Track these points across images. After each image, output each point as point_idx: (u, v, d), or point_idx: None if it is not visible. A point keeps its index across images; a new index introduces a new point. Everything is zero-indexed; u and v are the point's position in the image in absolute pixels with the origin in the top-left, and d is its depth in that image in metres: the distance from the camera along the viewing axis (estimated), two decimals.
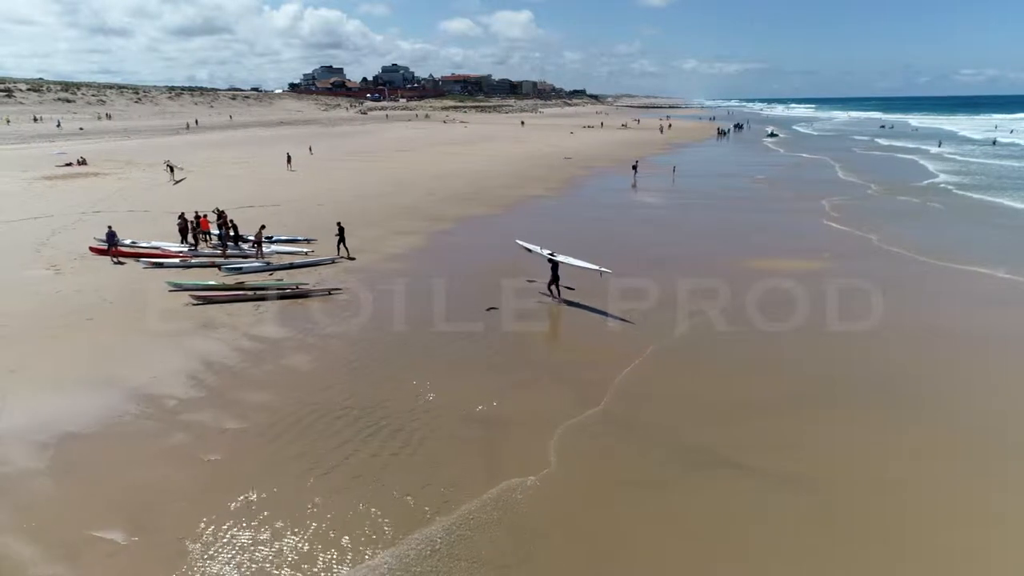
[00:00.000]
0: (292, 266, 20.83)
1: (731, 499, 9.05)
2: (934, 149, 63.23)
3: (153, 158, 52.40)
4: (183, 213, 23.74)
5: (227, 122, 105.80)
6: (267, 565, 7.77)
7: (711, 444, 10.45)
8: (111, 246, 20.68)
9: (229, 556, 7.90)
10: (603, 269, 17.15)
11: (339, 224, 22.29)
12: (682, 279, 19.44)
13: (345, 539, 8.21)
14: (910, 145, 70.11)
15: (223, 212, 24.39)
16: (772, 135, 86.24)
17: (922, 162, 54.50)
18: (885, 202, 34.61)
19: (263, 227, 21.52)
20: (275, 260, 21.44)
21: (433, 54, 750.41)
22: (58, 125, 79.07)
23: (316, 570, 7.70)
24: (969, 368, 13.77)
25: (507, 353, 14.21)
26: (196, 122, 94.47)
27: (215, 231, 23.65)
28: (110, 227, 21.06)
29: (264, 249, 21.88)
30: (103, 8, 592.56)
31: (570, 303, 17.35)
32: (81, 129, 78.62)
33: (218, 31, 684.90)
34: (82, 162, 47.69)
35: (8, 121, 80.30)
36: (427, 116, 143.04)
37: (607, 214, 31.66)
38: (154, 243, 22.98)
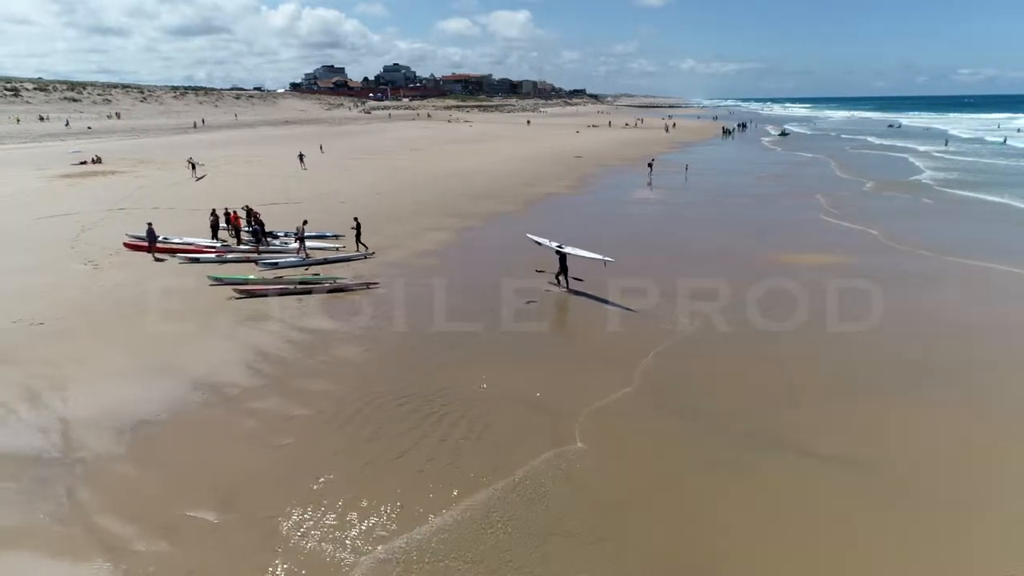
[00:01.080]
0: (327, 261, 21.10)
1: (796, 479, 9.34)
2: (937, 150, 63.52)
3: (167, 157, 52.68)
4: (215, 209, 24.00)
5: (233, 121, 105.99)
6: (358, 542, 8.03)
7: (766, 427, 10.74)
8: (151, 243, 20.91)
9: (320, 533, 8.18)
10: (606, 259, 17.88)
11: (355, 219, 22.55)
12: (712, 272, 19.75)
13: (431, 517, 8.48)
14: (920, 147, 70.23)
15: (251, 209, 24.70)
16: (784, 134, 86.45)
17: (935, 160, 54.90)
18: (888, 200, 34.92)
19: (305, 222, 21.82)
20: (313, 255, 21.68)
21: (431, 54, 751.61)
22: (67, 124, 79.23)
23: (401, 546, 7.94)
24: (1006, 358, 14.08)
25: (544, 341, 14.57)
26: (203, 121, 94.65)
27: (242, 227, 23.94)
28: (150, 224, 21.32)
29: (308, 244, 22.26)
30: (101, 8, 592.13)
31: (577, 293, 17.99)
32: (89, 128, 78.79)
33: (216, 31, 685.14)
34: (97, 160, 47.93)
35: (19, 120, 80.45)
36: (429, 116, 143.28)
37: (629, 210, 32.01)
38: (186, 239, 23.21)
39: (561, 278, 18.12)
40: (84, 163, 47.09)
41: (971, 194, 36.35)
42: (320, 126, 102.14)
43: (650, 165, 43.25)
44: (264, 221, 23.28)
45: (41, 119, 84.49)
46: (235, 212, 24.13)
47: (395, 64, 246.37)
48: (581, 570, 7.60)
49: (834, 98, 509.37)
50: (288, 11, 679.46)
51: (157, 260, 20.98)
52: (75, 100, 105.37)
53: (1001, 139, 73.20)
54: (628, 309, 16.53)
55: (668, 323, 15.52)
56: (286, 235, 24.31)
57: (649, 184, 40.15)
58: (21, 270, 19.57)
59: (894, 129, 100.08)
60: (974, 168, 49.52)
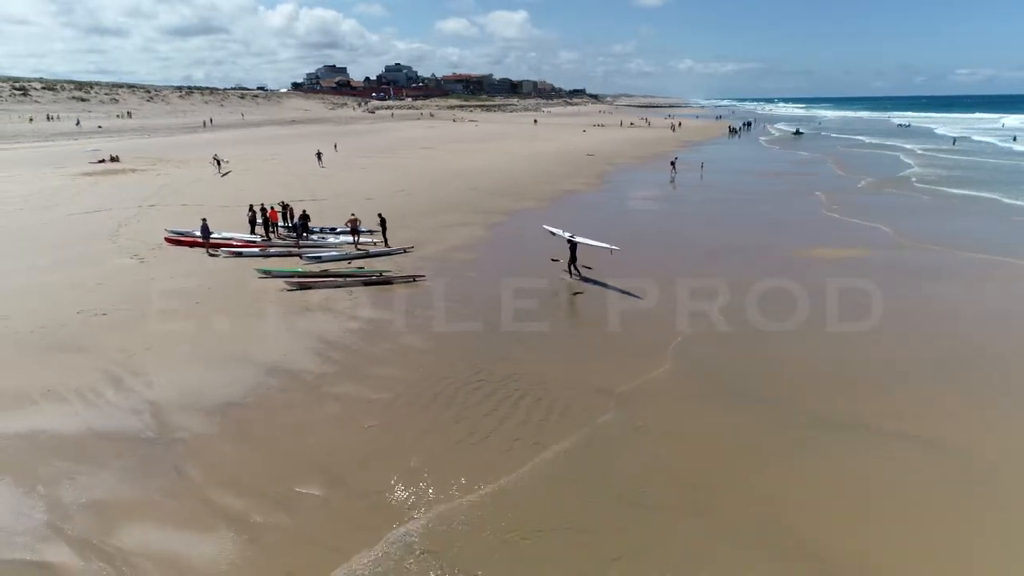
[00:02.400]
0: (368, 255, 21.47)
1: (872, 459, 9.75)
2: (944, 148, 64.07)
3: (182, 155, 53.00)
4: (251, 205, 24.38)
5: (240, 120, 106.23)
6: (464, 514, 8.41)
7: (827, 408, 11.17)
8: (206, 238, 21.28)
9: (427, 506, 8.55)
10: (612, 247, 18.96)
11: (380, 216, 23.10)
12: (746, 267, 20.21)
13: (524, 494, 8.87)
14: (930, 148, 70.67)
15: (287, 205, 25.12)
16: (798, 132, 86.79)
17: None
18: (897, 198, 35.38)
19: (354, 215, 22.33)
20: (347, 250, 22.06)
21: (430, 54, 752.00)
22: (77, 123, 79.44)
23: (505, 524, 8.33)
24: None
25: (592, 329, 14.93)
26: (210, 120, 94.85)
27: (279, 223, 24.38)
28: (204, 220, 21.70)
29: (338, 239, 22.62)
30: (98, 8, 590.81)
31: (587, 280, 18.87)
32: (100, 127, 79.04)
33: (214, 31, 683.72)
34: (114, 159, 48.27)
35: (31, 120, 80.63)
36: (432, 115, 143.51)
37: (651, 207, 32.47)
38: (225, 234, 23.55)
39: (572, 267, 19.10)
40: (102, 161, 47.41)
41: (978, 193, 36.79)
42: (326, 125, 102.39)
43: (673, 164, 43.73)
44: (309, 215, 23.65)
45: (49, 118, 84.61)
46: (273, 208, 24.50)
47: (397, 64, 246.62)
48: (678, 541, 7.96)
49: (833, 98, 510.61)
50: (286, 11, 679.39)
51: (211, 255, 21.29)
52: (83, 100, 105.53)
53: (1011, 137, 73.59)
54: (633, 295, 17.47)
55: (710, 314, 15.88)
56: (321, 231, 24.71)
57: (672, 182, 40.59)
58: (68, 264, 19.92)
59: (904, 129, 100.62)
60: (996, 168, 49.81)
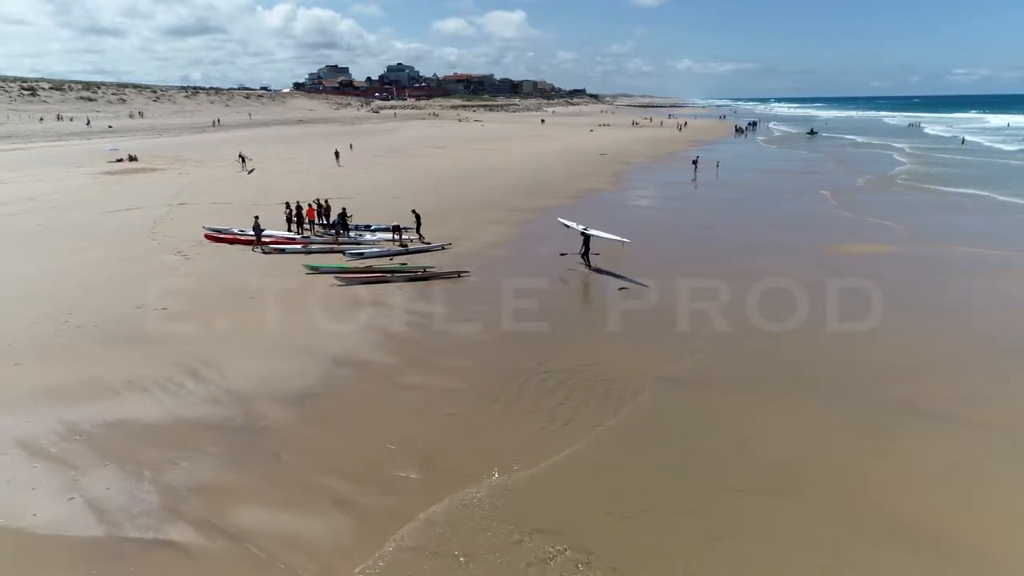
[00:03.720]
0: (408, 251, 21.77)
1: (949, 443, 10.07)
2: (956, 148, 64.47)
3: (199, 154, 53.30)
4: (288, 203, 24.69)
5: (247, 120, 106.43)
6: (557, 497, 8.71)
7: (896, 396, 11.48)
8: (258, 236, 21.57)
9: (523, 490, 8.84)
10: (623, 239, 20.06)
11: (414, 212, 23.55)
12: (786, 262, 20.57)
13: (613, 478, 9.17)
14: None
15: (321, 202, 25.43)
16: (812, 132, 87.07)
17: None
18: (899, 195, 35.75)
19: (415, 211, 23.14)
20: (387, 246, 22.35)
21: (428, 54, 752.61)
22: (88, 123, 79.63)
23: (603, 506, 8.63)
24: None
25: (641, 320, 15.19)
26: (218, 121, 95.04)
27: (315, 220, 24.70)
28: (256, 218, 22.01)
29: (375, 236, 22.95)
30: (95, 8, 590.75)
31: (598, 271, 19.56)
32: (110, 127, 79.28)
33: (211, 31, 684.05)
34: (133, 158, 48.52)
35: (41, 119, 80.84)
36: (435, 115, 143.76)
37: (677, 205, 32.81)
38: (264, 231, 23.79)
39: (585, 257, 19.88)
40: (120, 160, 47.68)
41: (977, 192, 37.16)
42: (333, 125, 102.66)
43: (695, 163, 44.02)
44: (349, 213, 23.94)
45: (59, 118, 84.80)
46: (310, 205, 24.81)
47: (399, 64, 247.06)
48: (772, 522, 8.25)
49: (831, 98, 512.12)
50: (283, 11, 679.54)
51: (266, 253, 21.58)
52: (91, 100, 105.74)
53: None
54: (638, 282, 18.28)
55: (762, 307, 16.18)
56: (356, 228, 24.99)
57: (694, 180, 40.92)
58: (116, 260, 20.21)
59: (914, 128, 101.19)
60: (983, 166, 50.31)
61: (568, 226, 22.42)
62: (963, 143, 69.35)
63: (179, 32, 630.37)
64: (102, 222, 26.02)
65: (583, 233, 20.38)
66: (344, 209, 23.81)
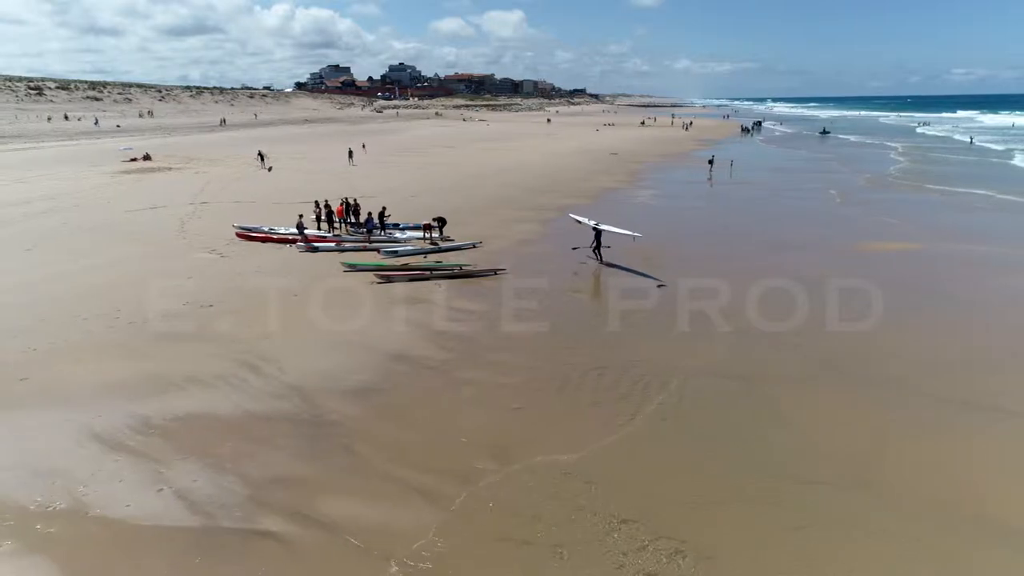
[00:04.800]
0: (440, 249, 21.90)
1: (1004, 437, 10.23)
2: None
3: (212, 154, 53.38)
4: (317, 201, 24.85)
5: (253, 120, 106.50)
6: (636, 489, 8.86)
7: (954, 391, 11.64)
8: (301, 234, 21.75)
9: (600, 483, 8.99)
10: (635, 234, 20.50)
11: (439, 218, 23.57)
12: (819, 260, 20.78)
13: (687, 471, 9.32)
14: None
15: (349, 201, 25.61)
16: (825, 132, 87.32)
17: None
18: (905, 194, 35.96)
19: (441, 217, 23.32)
20: (419, 245, 22.49)
21: (426, 53, 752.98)
22: (96, 123, 79.67)
23: (681, 496, 8.79)
24: None
25: (699, 317, 15.34)
26: (224, 120, 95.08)
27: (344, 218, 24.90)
28: (301, 216, 22.14)
29: (405, 234, 23.13)
30: (93, 7, 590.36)
31: (610, 264, 20.14)
32: (118, 127, 79.31)
33: (209, 31, 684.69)
34: (147, 157, 48.57)
35: (49, 119, 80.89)
36: (439, 115, 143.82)
37: (696, 204, 33.02)
38: (292, 229, 23.93)
39: (597, 252, 20.49)
40: (135, 160, 47.71)
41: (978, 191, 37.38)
42: (339, 124, 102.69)
43: (710, 162, 44.21)
44: (384, 212, 24.05)
45: (67, 118, 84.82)
46: (340, 204, 25.00)
47: (400, 64, 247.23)
48: (847, 513, 8.40)
49: (829, 98, 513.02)
50: (281, 11, 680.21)
51: (301, 251, 21.68)
52: (97, 99, 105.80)
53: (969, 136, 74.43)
54: (654, 277, 18.69)
55: (807, 304, 16.34)
56: (385, 226, 25.09)
57: (709, 179, 41.10)
58: (153, 258, 20.34)
59: (925, 127, 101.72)
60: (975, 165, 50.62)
61: (580, 222, 23.02)
62: (971, 143, 69.59)
63: (177, 32, 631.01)
64: (129, 221, 26.11)
65: (595, 228, 20.92)
66: (384, 208, 23.89)
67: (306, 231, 22.09)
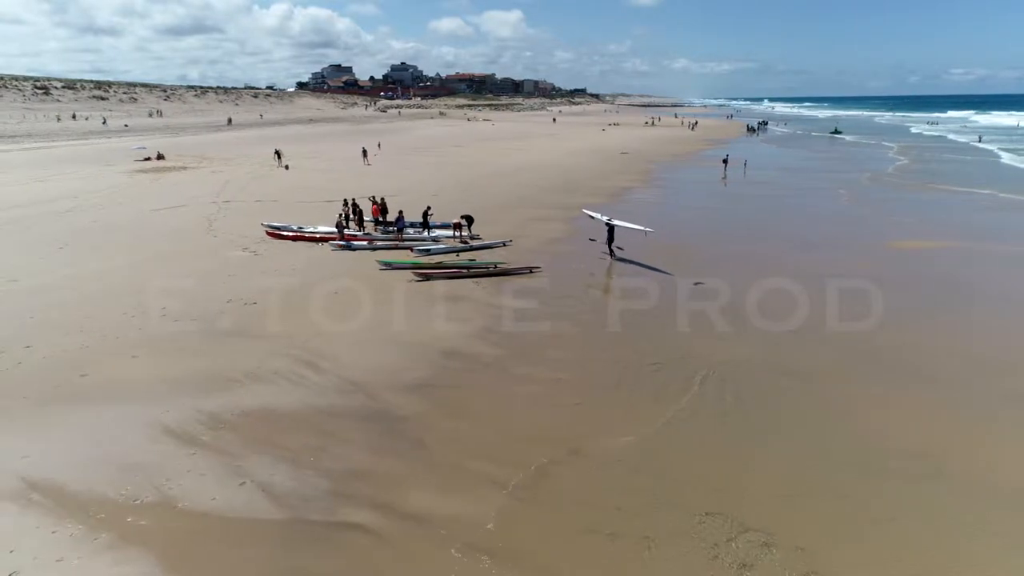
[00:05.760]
0: (472, 248, 21.98)
1: None
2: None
3: (223, 153, 53.42)
4: (346, 200, 24.94)
5: (258, 120, 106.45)
6: (713, 484, 8.95)
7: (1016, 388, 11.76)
8: (341, 234, 21.85)
9: (677, 472, 9.09)
10: (647, 229, 21.17)
11: (466, 216, 23.66)
12: (856, 258, 20.97)
13: (760, 466, 9.42)
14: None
15: (377, 200, 25.71)
16: (836, 132, 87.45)
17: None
18: (912, 192, 36.14)
19: (468, 215, 23.28)
20: (450, 243, 22.57)
21: (425, 53, 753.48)
22: (104, 122, 79.62)
23: (761, 490, 8.88)
24: None
25: (730, 316, 15.43)
26: (230, 120, 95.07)
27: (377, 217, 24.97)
28: (340, 215, 22.27)
29: (434, 233, 23.25)
30: (92, 7, 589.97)
31: (623, 259, 20.64)
32: (126, 126, 79.30)
33: (208, 30, 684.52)
34: (160, 157, 48.59)
35: (59, 118, 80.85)
36: (442, 114, 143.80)
37: (716, 203, 33.14)
38: (320, 228, 24.04)
39: (610, 247, 20.92)
40: (148, 159, 47.73)
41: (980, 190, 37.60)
42: (344, 124, 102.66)
43: (724, 162, 44.31)
44: (402, 209, 24.19)
45: (74, 117, 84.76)
46: (374, 203, 25.16)
47: (402, 63, 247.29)
48: (925, 505, 8.51)
49: (828, 97, 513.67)
50: (280, 11, 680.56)
51: (348, 248, 21.82)
52: (103, 99, 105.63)
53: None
54: (664, 271, 18.57)
55: (856, 301, 16.46)
56: (411, 225, 25.17)
57: (723, 178, 41.21)
58: (185, 256, 20.40)
59: (933, 126, 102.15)
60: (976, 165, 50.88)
61: (593, 217, 23.64)
62: (980, 141, 69.99)
63: (176, 31, 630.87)
64: (156, 219, 26.17)
65: (607, 224, 21.29)
66: (428, 207, 23.95)
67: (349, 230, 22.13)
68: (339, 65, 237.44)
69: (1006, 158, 54.86)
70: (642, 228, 21.27)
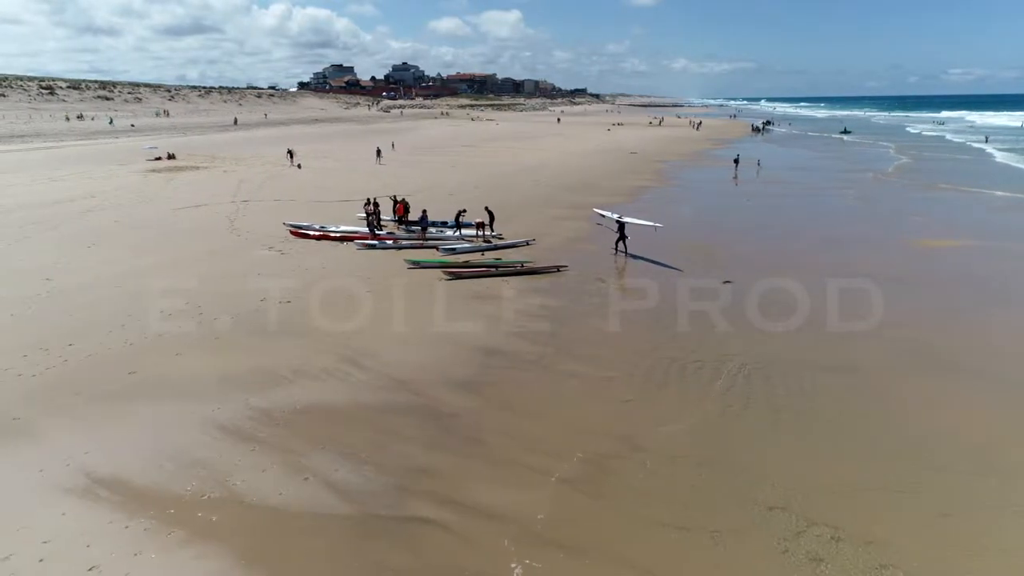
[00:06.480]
0: (497, 247, 22.05)
1: None
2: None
3: (233, 152, 53.50)
4: (369, 199, 24.99)
5: (263, 120, 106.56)
6: (766, 474, 9.01)
7: None
8: (374, 233, 22.00)
9: (739, 468, 9.16)
10: (656, 224, 21.71)
11: (488, 209, 23.91)
12: (884, 256, 21.26)
13: (813, 462, 9.49)
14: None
15: (397, 199, 25.80)
16: (846, 131, 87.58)
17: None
18: (918, 191, 36.26)
19: (488, 208, 23.51)
20: (473, 242, 22.65)
21: (424, 53, 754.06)
22: (111, 122, 79.73)
23: (824, 485, 8.92)
24: None
25: (766, 312, 15.48)
26: (236, 120, 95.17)
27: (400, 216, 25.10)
28: (371, 215, 22.32)
29: (456, 232, 23.38)
30: (90, 7, 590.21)
31: (634, 256, 20.94)
32: (132, 126, 79.36)
33: (207, 30, 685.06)
34: (171, 156, 48.66)
35: (68, 118, 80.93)
36: (446, 114, 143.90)
37: (733, 202, 33.36)
38: (342, 227, 24.12)
39: (620, 244, 21.20)
40: (159, 159, 47.79)
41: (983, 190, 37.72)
42: (349, 124, 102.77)
43: (735, 162, 44.38)
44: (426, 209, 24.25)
45: (80, 117, 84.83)
46: (399, 202, 25.26)
47: (404, 63, 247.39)
48: (982, 499, 8.56)
49: (827, 97, 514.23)
50: (279, 11, 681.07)
51: (373, 248, 21.94)
52: (107, 99, 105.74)
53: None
54: (673, 267, 18.46)
55: (890, 297, 16.52)
56: (434, 224, 25.25)
57: (735, 178, 41.26)
58: (213, 255, 20.46)
59: (940, 126, 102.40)
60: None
61: (603, 215, 24.29)
62: (987, 140, 70.18)
63: (174, 31, 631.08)
64: (178, 218, 26.24)
65: (618, 221, 21.59)
66: (463, 210, 24.02)
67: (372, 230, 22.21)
68: (341, 65, 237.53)
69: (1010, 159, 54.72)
70: (652, 224, 21.62)
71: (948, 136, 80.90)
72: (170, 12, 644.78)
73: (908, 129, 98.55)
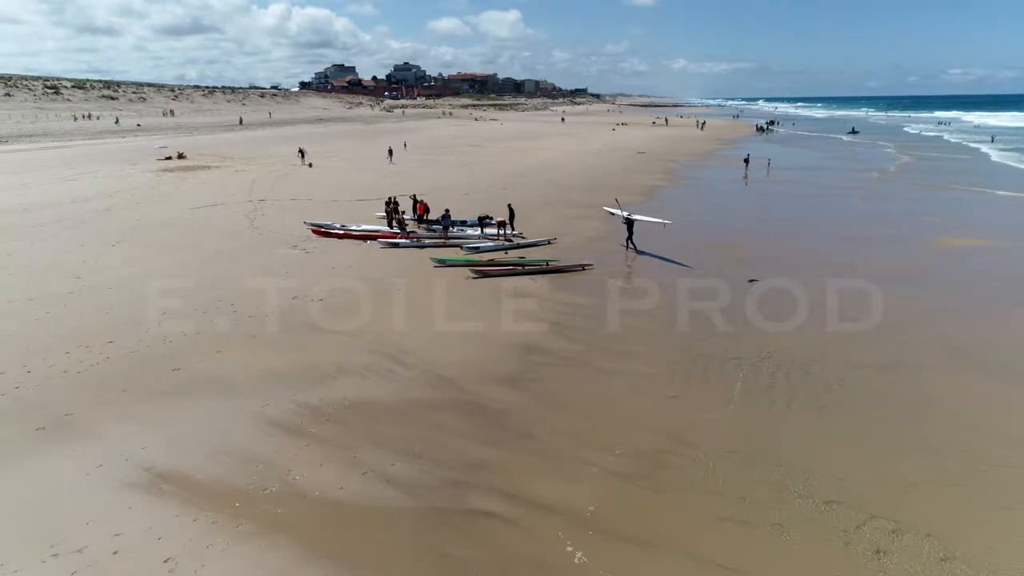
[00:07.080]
0: (518, 246, 22.14)
1: None
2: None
3: (242, 152, 53.58)
4: (390, 198, 25.10)
5: (268, 119, 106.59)
6: (819, 469, 9.10)
7: None
8: (403, 230, 22.29)
9: (791, 462, 9.25)
10: (665, 221, 21.69)
11: (510, 206, 24.12)
12: (907, 254, 21.37)
13: (865, 458, 9.59)
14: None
15: (417, 198, 25.88)
16: (853, 131, 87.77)
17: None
18: (922, 191, 36.38)
19: (510, 205, 23.67)
20: (495, 241, 22.74)
21: (423, 53, 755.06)
22: (116, 122, 79.78)
23: (880, 481, 9.02)
24: None
25: (798, 309, 15.57)
26: (242, 119, 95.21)
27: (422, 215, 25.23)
28: (402, 213, 22.43)
29: (475, 231, 23.53)
30: (89, 7, 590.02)
31: (641, 252, 21.25)
32: (139, 125, 79.40)
33: (206, 30, 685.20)
34: (181, 156, 48.74)
35: (76, 118, 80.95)
36: (448, 114, 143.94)
37: (747, 202, 33.48)
38: (363, 226, 24.20)
39: (629, 242, 21.54)
40: (169, 158, 47.86)
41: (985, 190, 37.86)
42: (354, 124, 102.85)
43: (746, 161, 44.47)
44: (448, 208, 24.35)
45: (87, 117, 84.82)
46: (421, 201, 25.37)
47: (406, 63, 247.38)
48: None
49: (825, 97, 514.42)
50: (278, 11, 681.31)
51: (396, 246, 22.07)
52: (112, 98, 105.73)
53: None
54: (683, 264, 17.99)
55: (924, 295, 16.63)
56: (454, 223, 25.31)
57: (745, 177, 41.36)
58: (238, 254, 20.53)
59: (944, 126, 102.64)
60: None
61: (613, 213, 24.32)
62: (992, 140, 70.38)
63: (174, 31, 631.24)
64: (198, 217, 26.31)
65: (627, 219, 21.80)
66: (489, 217, 24.15)
67: (395, 228, 22.31)
68: (343, 65, 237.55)
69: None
70: (661, 220, 21.71)
71: (946, 136, 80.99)
72: (169, 12, 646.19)
73: (907, 129, 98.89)
